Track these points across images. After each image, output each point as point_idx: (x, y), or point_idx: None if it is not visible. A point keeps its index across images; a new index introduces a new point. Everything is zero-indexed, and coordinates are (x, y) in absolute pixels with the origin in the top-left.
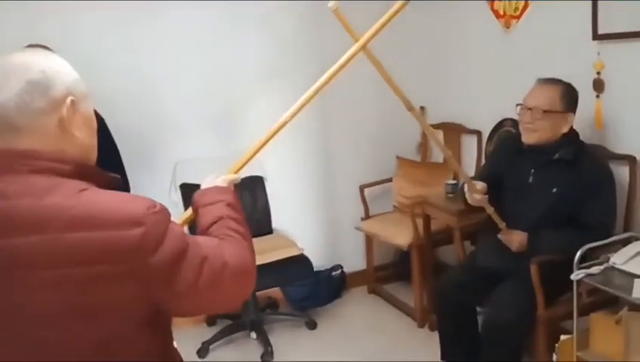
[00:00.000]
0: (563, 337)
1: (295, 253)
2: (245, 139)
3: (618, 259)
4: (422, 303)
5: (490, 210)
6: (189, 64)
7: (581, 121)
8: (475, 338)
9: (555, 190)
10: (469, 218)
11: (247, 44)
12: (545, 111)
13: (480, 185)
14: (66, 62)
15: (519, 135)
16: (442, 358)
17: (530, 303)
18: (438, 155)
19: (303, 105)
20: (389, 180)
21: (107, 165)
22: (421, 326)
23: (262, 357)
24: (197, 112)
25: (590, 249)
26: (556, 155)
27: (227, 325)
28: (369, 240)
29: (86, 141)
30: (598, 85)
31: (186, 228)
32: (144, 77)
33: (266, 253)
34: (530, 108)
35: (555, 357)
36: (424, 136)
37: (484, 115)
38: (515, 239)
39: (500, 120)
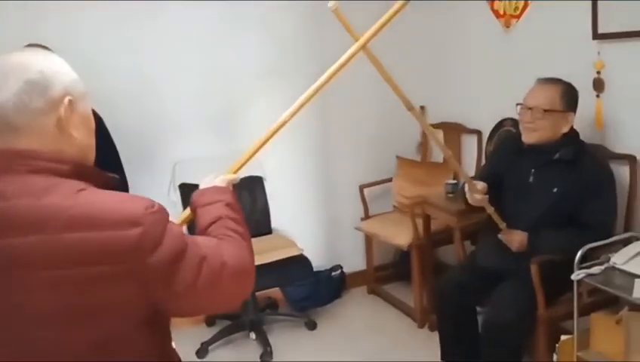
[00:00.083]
0: (563, 337)
1: (295, 253)
2: (245, 139)
3: (618, 259)
4: (422, 303)
5: (490, 209)
6: (189, 64)
7: (581, 120)
8: (475, 339)
9: (555, 190)
10: (469, 218)
11: (247, 44)
12: (545, 111)
13: (480, 185)
14: (64, 62)
15: (519, 135)
16: (442, 358)
17: (531, 303)
18: (438, 155)
19: (302, 105)
20: (389, 180)
21: (105, 165)
22: (421, 326)
23: (261, 357)
24: (196, 112)
25: (591, 249)
26: (556, 155)
27: (226, 325)
28: (369, 240)
29: (84, 141)
30: (598, 85)
31: (184, 228)
32: (144, 77)
33: (266, 253)
34: (530, 108)
35: (555, 357)
36: (424, 135)
37: (484, 115)
38: (516, 239)
39: (500, 119)
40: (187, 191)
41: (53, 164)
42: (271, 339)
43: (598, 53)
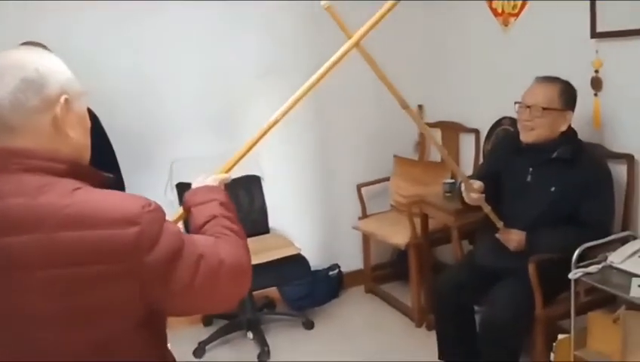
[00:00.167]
0: (561, 336)
1: (292, 252)
2: (243, 139)
3: (616, 258)
4: (419, 303)
5: (487, 208)
6: (188, 63)
7: (579, 119)
8: (473, 338)
9: (553, 189)
10: (466, 217)
11: (246, 43)
12: (543, 109)
13: (477, 184)
14: (60, 61)
15: (517, 133)
16: (440, 358)
17: (528, 302)
18: (435, 154)
19: (294, 104)
20: (387, 179)
21: (101, 164)
22: (419, 325)
23: (258, 357)
24: (195, 111)
25: (588, 248)
26: (554, 154)
27: (223, 325)
28: (366, 239)
29: (80, 140)
30: (596, 83)
31: (182, 227)
32: (143, 76)
33: (263, 252)
34: (528, 106)
35: (552, 356)
36: (422, 135)
37: (482, 114)
38: (513, 238)
39: (498, 118)
40: (184, 190)
41: (49, 162)
42: (268, 339)
43: (596, 51)
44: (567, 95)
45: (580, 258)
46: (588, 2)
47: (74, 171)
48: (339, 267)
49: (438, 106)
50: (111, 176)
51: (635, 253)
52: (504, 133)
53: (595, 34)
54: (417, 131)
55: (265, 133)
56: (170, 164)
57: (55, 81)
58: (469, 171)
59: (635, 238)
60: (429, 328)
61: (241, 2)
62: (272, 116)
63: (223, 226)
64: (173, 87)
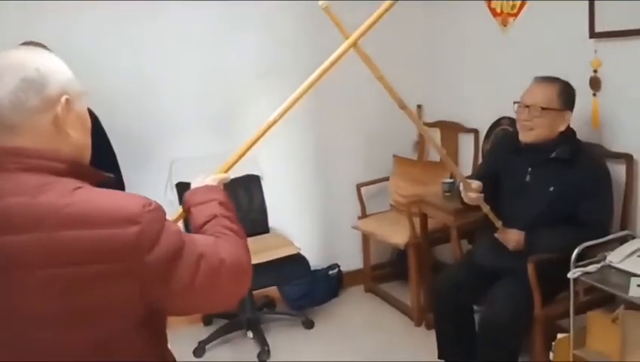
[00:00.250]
0: (560, 336)
1: (292, 252)
2: (242, 138)
3: (615, 257)
4: (419, 302)
5: (485, 208)
6: (188, 63)
7: (578, 119)
8: (472, 337)
9: (552, 189)
10: (466, 217)
11: (246, 43)
12: (542, 109)
13: (475, 183)
14: (60, 61)
15: (516, 133)
16: (439, 357)
17: (527, 302)
18: (435, 154)
19: (292, 104)
20: (386, 179)
21: (101, 164)
22: (418, 325)
23: (258, 356)
24: (195, 111)
25: (587, 247)
26: (553, 154)
27: (223, 324)
28: (366, 239)
29: (80, 140)
30: (595, 83)
31: (182, 226)
32: (143, 76)
33: (263, 252)
34: (527, 106)
35: (551, 355)
36: (421, 134)
37: (481, 114)
38: (512, 238)
39: (497, 118)
40: (184, 190)
41: (49, 162)
42: (268, 338)
43: (595, 51)
44: (566, 95)
45: (579, 257)
46: (587, 2)
47: (74, 171)
48: (338, 266)
49: (438, 106)
50: (111, 176)
51: (633, 252)
52: (503, 133)
53: (593, 34)
54: (417, 131)
55: (263, 133)
56: (169, 163)
57: (56, 81)
58: (469, 171)
59: (633, 238)
60: (428, 327)
61: (241, 2)
62: (271, 116)
63: (223, 226)
64: (173, 86)
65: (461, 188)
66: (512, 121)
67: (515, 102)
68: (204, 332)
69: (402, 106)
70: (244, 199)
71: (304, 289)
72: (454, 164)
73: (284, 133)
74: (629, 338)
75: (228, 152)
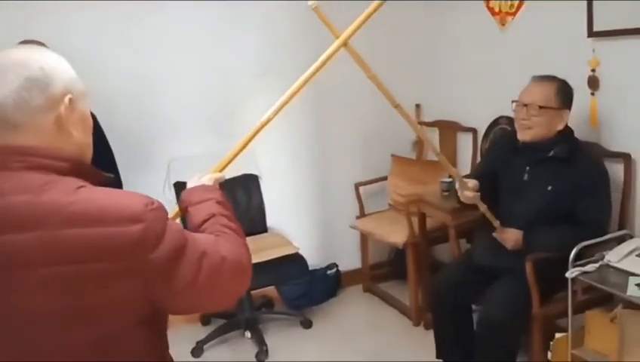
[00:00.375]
0: (558, 335)
1: (290, 251)
2: (241, 138)
3: (613, 256)
4: (417, 302)
5: (482, 207)
6: (187, 63)
7: (576, 118)
8: (471, 337)
9: (550, 188)
10: (464, 216)
11: (246, 43)
12: (540, 108)
13: (472, 182)
14: (64, 60)
15: (514, 132)
16: (438, 357)
17: (526, 301)
18: (433, 153)
19: (285, 103)
20: (385, 178)
21: (100, 164)
22: (416, 324)
23: (257, 356)
24: (193, 111)
25: (585, 247)
26: (551, 153)
27: (222, 324)
28: (364, 238)
29: (82, 139)
30: (593, 83)
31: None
32: (142, 76)
33: (261, 251)
34: (525, 105)
35: (550, 354)
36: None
37: (479, 113)
38: (510, 237)
39: (495, 117)
40: (182, 189)
41: (52, 161)
42: (266, 338)
43: (593, 50)
44: (564, 94)
45: (577, 257)
46: (585, 2)
47: (76, 170)
48: (337, 266)
49: (436, 106)
50: (111, 176)
51: (631, 251)
52: (501, 132)
53: (591, 33)
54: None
55: (257, 132)
56: (168, 163)
57: (59, 80)
58: (467, 170)
59: (631, 237)
60: (426, 327)
61: (241, 2)
62: (263, 116)
63: (222, 225)
64: (172, 86)
65: (457, 186)
66: (510, 120)
67: (513, 101)
68: (203, 332)
69: (395, 105)
70: (243, 198)
71: (302, 288)
72: (448, 162)
73: (282, 133)
74: (627, 337)
75: (226, 151)
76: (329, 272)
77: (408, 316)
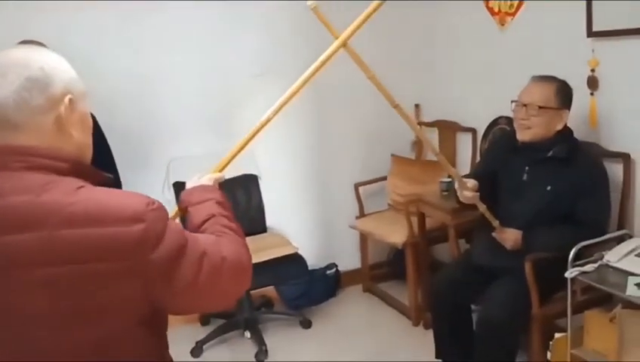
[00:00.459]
0: (557, 335)
1: (289, 251)
2: (240, 138)
3: (612, 256)
4: (416, 301)
5: (482, 207)
6: (187, 63)
7: (575, 118)
8: (470, 337)
9: (549, 188)
10: (463, 216)
11: (246, 43)
12: (540, 108)
13: (471, 182)
14: (64, 60)
15: (514, 132)
16: (437, 357)
17: (525, 301)
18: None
19: (285, 103)
20: (384, 178)
21: (99, 164)
22: (416, 324)
23: (256, 356)
24: (193, 111)
25: (584, 247)
26: (550, 153)
27: (221, 324)
28: (364, 238)
29: (82, 139)
30: (593, 83)
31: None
32: (142, 76)
33: (261, 251)
34: (525, 105)
35: (549, 354)
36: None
37: (479, 113)
38: (510, 237)
39: (494, 118)
40: (181, 189)
41: (52, 161)
42: (266, 338)
43: (593, 51)
44: (563, 94)
45: (576, 257)
46: (584, 2)
47: (76, 170)
48: (336, 266)
49: (436, 106)
50: (111, 176)
51: (631, 251)
52: (501, 132)
53: (591, 33)
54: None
55: (256, 132)
56: (167, 163)
57: (60, 80)
58: (466, 170)
59: (630, 237)
60: (426, 327)
61: (241, 2)
62: (263, 116)
63: (222, 225)
64: (172, 86)
65: (456, 186)
66: (509, 120)
67: (512, 101)
68: (202, 332)
69: (394, 105)
70: (242, 198)
71: (302, 288)
72: (448, 162)
73: (282, 133)
74: (626, 337)
75: (226, 151)
76: (328, 272)
77: (408, 316)
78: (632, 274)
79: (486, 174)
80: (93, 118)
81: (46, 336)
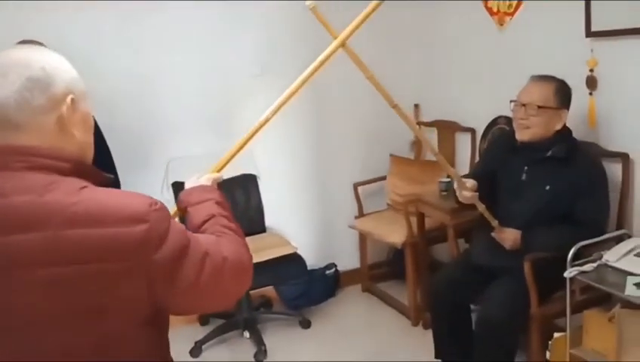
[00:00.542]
0: (556, 334)
1: (289, 251)
2: (240, 138)
3: (611, 256)
4: (416, 301)
5: (481, 207)
6: (186, 63)
7: (574, 118)
8: (469, 336)
9: (548, 187)
10: (462, 216)
11: (246, 43)
12: (539, 107)
13: (470, 182)
14: (65, 60)
15: (513, 132)
16: (436, 357)
17: (524, 301)
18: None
19: (283, 103)
20: (383, 178)
21: (98, 164)
22: (415, 324)
23: (255, 356)
24: (192, 111)
25: (583, 246)
26: (549, 152)
27: (220, 324)
28: (363, 238)
29: (83, 139)
30: (591, 82)
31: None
32: (141, 76)
33: (260, 251)
34: (524, 105)
35: (548, 354)
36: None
37: (478, 113)
38: (509, 237)
39: (493, 117)
40: (180, 189)
41: (53, 161)
42: (265, 338)
43: (591, 50)
44: (562, 94)
45: (575, 256)
46: (583, 2)
47: (78, 170)
48: (335, 266)
49: (435, 106)
50: (111, 176)
51: (629, 251)
52: (500, 132)
53: (590, 33)
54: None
55: (255, 132)
56: (166, 162)
57: (61, 80)
58: (466, 170)
59: (629, 237)
60: (425, 327)
61: (240, 2)
62: (262, 116)
63: (222, 225)
64: (171, 86)
65: (455, 186)
66: (508, 120)
67: (511, 101)
68: (201, 332)
69: (393, 105)
70: (241, 198)
71: (301, 288)
72: (447, 162)
73: (281, 133)
74: (625, 336)
75: (225, 151)
76: (328, 272)
77: (407, 316)
78: (631, 274)
79: (485, 174)
80: (92, 117)
81: (48, 337)
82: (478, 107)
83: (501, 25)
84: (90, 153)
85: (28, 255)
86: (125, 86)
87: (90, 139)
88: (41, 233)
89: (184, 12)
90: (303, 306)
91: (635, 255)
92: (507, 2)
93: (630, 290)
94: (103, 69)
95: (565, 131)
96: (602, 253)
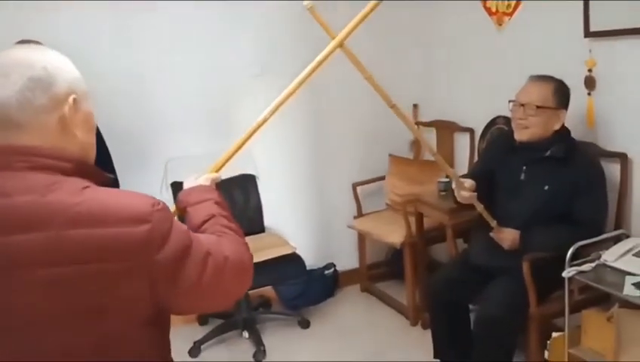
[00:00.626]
0: (555, 334)
1: (287, 251)
2: (239, 137)
3: (609, 256)
4: (414, 301)
5: (479, 207)
6: (186, 63)
7: (573, 118)
8: (468, 336)
9: (546, 187)
10: (461, 216)
11: (245, 43)
12: (537, 107)
13: (468, 182)
14: (67, 60)
15: (511, 132)
16: (435, 356)
17: (522, 300)
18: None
19: (282, 103)
20: (382, 178)
21: (98, 164)
22: (414, 324)
23: (254, 356)
24: (191, 110)
25: (582, 246)
26: (548, 152)
27: (219, 324)
28: (362, 238)
29: (85, 139)
30: (590, 83)
31: None
32: (140, 76)
33: (259, 251)
34: (522, 105)
35: (546, 354)
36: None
37: (476, 113)
38: (507, 237)
39: (492, 117)
40: (179, 189)
41: (55, 161)
42: (264, 338)
43: (590, 51)
44: (561, 94)
45: (574, 256)
46: (581, 2)
47: (80, 170)
48: (334, 266)
49: (433, 106)
50: (112, 176)
51: (628, 251)
52: (498, 132)
53: (588, 33)
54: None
55: (253, 132)
56: (165, 162)
57: (63, 80)
58: (464, 170)
59: (628, 237)
60: (424, 326)
61: (240, 2)
62: (260, 116)
63: (222, 225)
64: (170, 86)
65: (454, 186)
66: (507, 120)
67: (510, 101)
68: (200, 332)
69: (391, 105)
70: (240, 198)
71: (300, 288)
72: (445, 162)
73: (279, 133)
74: (623, 336)
75: (223, 151)
76: (326, 272)
77: (406, 316)
78: (630, 274)
79: (483, 174)
80: None
81: (48, 337)
82: (476, 107)
83: (500, 25)
84: (92, 153)
85: (29, 255)
86: (124, 86)
87: (93, 139)
88: (43, 233)
89: (184, 12)
90: (301, 306)
91: (633, 255)
92: (506, 2)
93: (628, 290)
94: (103, 68)
95: (564, 131)
96: (601, 252)
